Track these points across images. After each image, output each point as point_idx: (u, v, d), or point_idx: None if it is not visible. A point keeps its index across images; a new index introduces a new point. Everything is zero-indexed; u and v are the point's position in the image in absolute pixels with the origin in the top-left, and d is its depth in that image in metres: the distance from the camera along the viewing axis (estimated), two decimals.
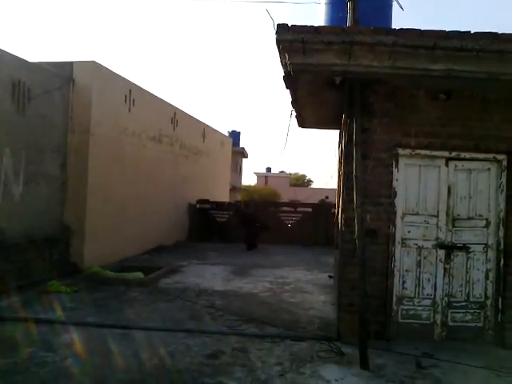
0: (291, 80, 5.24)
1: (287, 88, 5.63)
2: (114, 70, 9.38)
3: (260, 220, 13.36)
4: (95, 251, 8.55)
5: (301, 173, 53.99)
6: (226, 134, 22.47)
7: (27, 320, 5.40)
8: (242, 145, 30.80)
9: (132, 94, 10.06)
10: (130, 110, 10.00)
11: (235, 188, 27.24)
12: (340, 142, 7.41)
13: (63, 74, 8.18)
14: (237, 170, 29.20)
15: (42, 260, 7.52)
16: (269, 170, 46.85)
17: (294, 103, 6.54)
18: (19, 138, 7.03)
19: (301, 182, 50.11)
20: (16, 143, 6.96)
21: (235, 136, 27.86)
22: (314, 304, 6.86)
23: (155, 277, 8.11)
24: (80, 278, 7.74)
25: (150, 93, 11.27)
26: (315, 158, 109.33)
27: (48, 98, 7.68)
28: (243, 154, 30.02)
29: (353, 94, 5.15)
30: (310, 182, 52.48)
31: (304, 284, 8.31)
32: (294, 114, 7.44)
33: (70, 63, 8.37)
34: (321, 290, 7.80)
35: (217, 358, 4.54)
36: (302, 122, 8.33)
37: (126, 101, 9.84)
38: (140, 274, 8.00)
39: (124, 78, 9.85)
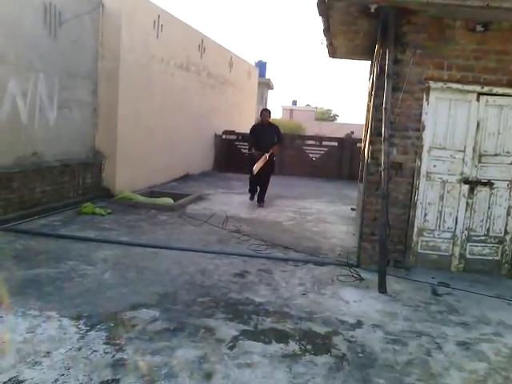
0: (325, 7, 5.12)
1: (320, 15, 5.50)
2: None
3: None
4: (126, 177, 8.88)
5: (326, 107, 52.95)
6: (253, 64, 21.98)
7: (66, 237, 5.82)
8: (268, 76, 30.17)
9: (160, 20, 9.91)
10: (158, 36, 9.89)
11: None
12: (371, 74, 7.29)
13: None
14: (262, 101, 28.79)
15: (77, 183, 7.88)
16: (294, 103, 45.97)
17: (327, 32, 6.39)
18: (52, 63, 7.12)
19: (326, 116, 49.17)
20: (49, 68, 7.06)
21: (261, 66, 27.14)
22: (336, 233, 7.11)
23: (183, 203, 8.44)
24: (112, 202, 8.11)
25: (177, 19, 11.05)
26: (341, 92, 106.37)
27: (78, 23, 7.66)
28: (269, 85, 29.41)
29: (387, 23, 5.04)
30: (335, 116, 51.48)
31: (327, 215, 8.54)
32: (326, 43, 7.29)
33: None
34: (343, 221, 8.03)
35: (243, 276, 4.87)
36: (333, 52, 8.15)
37: (154, 27, 9.72)
38: (169, 200, 8.33)
39: (152, 3, 9.67)
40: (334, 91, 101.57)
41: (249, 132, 9.45)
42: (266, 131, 8.96)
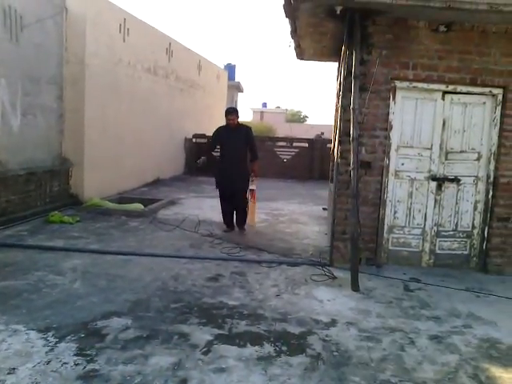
0: (291, 9, 5.14)
1: (286, 17, 5.54)
2: None
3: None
4: (95, 183, 8.70)
5: (296, 109, 53.34)
6: (222, 67, 21.95)
7: (34, 247, 5.65)
8: (237, 79, 30.10)
9: (126, 24, 9.77)
10: (124, 40, 9.76)
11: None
12: (339, 75, 7.37)
13: (56, 2, 7.91)
14: (232, 104, 28.74)
15: (44, 191, 7.67)
16: (265, 105, 46.10)
17: (294, 34, 6.44)
18: (14, 69, 6.91)
19: (296, 118, 49.52)
20: (11, 74, 6.86)
21: (230, 69, 27.09)
22: (309, 234, 7.15)
23: (154, 208, 8.32)
24: (81, 209, 7.94)
25: (144, 22, 10.93)
26: (311, 94, 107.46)
27: (41, 27, 7.47)
28: (239, 88, 29.38)
29: (353, 24, 5.10)
30: (305, 117, 51.90)
31: (299, 216, 8.58)
32: (293, 45, 7.33)
33: None
34: (315, 222, 8.08)
35: (217, 280, 4.83)
36: (301, 54, 8.23)
37: (120, 30, 9.58)
38: (140, 205, 8.21)
39: (118, 7, 9.53)
40: (303, 93, 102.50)
41: (212, 135, 7.38)
42: (233, 135, 6.86)
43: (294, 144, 15.01)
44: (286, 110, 47.10)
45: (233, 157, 6.81)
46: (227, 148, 6.91)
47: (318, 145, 14.54)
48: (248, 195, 6.99)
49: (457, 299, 4.56)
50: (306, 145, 14.68)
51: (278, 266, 5.37)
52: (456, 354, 3.44)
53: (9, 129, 6.87)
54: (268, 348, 3.41)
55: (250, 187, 6.97)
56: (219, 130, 7.21)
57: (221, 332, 3.62)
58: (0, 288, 4.30)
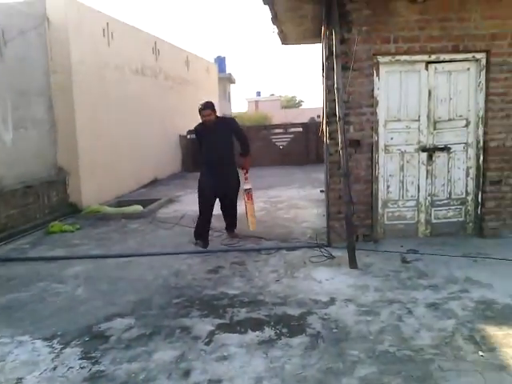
0: None
1: (265, 4, 5.53)
2: (87, 4, 9.05)
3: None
4: (92, 190, 8.77)
5: (291, 95, 53.11)
6: (211, 61, 21.90)
7: (36, 259, 5.73)
8: (228, 70, 30.05)
9: (110, 27, 9.77)
10: (109, 44, 9.77)
11: (226, 116, 26.79)
12: (322, 56, 7.36)
13: (36, 13, 7.93)
14: (226, 97, 28.70)
15: (42, 203, 7.74)
16: (259, 94, 46.06)
17: (275, 19, 6.43)
18: (1, 84, 6.97)
19: (291, 103, 49.33)
20: None
21: (221, 62, 27.10)
22: (307, 217, 7.19)
23: (153, 208, 8.39)
24: (80, 217, 8.01)
25: (127, 24, 10.93)
26: (304, 77, 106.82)
27: (25, 40, 7.51)
28: (230, 79, 29.35)
29: (330, 3, 5.08)
30: (301, 102, 51.67)
31: (297, 200, 8.62)
32: (276, 31, 7.33)
33: (42, 0, 8.07)
34: (313, 205, 8.11)
35: (217, 272, 4.88)
36: (285, 39, 8.24)
37: (104, 35, 9.58)
38: (138, 207, 8.26)
39: (99, 11, 9.53)
40: (296, 77, 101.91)
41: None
42: (214, 132, 5.87)
43: (289, 130, 14.99)
44: (280, 96, 46.97)
45: (218, 155, 5.87)
46: (210, 147, 5.92)
47: (312, 128, 14.49)
48: (244, 196, 6.10)
49: (454, 266, 4.59)
50: (301, 129, 14.66)
51: (276, 251, 5.41)
52: (453, 319, 3.48)
53: (2, 144, 6.94)
54: (268, 332, 3.46)
55: (245, 187, 6.06)
56: (197, 129, 6.10)
57: (222, 321, 3.68)
58: (5, 302, 4.38)
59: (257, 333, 3.46)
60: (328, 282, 4.40)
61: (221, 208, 6.27)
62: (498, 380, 2.74)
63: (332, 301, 3.95)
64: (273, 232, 6.34)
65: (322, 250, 5.24)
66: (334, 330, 3.42)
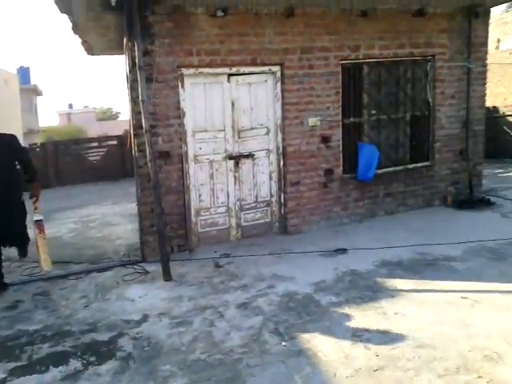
0: (63, 3, 4.80)
1: (62, 13, 5.14)
2: None
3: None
4: None
5: (107, 106, 51.01)
6: (13, 71, 19.82)
7: None
8: (34, 81, 27.65)
9: None
10: None
11: (32, 131, 24.54)
12: (126, 68, 7.19)
13: None
14: (32, 110, 26.26)
15: None
16: (71, 106, 43.24)
17: (76, 29, 6.04)
18: None
19: (108, 115, 47.34)
20: None
21: (24, 72, 24.65)
22: (121, 234, 6.90)
23: None
24: None
25: None
26: (119, 89, 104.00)
27: None
28: (36, 91, 26.95)
29: (131, 15, 4.95)
30: (118, 114, 49.86)
31: (111, 217, 8.24)
32: (80, 40, 6.92)
33: None
34: (128, 220, 7.83)
35: (15, 308, 4.30)
36: (90, 49, 7.83)
37: None
38: None
39: None
40: (111, 89, 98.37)
41: None
42: None
43: (103, 143, 14.25)
44: (95, 108, 44.91)
45: None
46: None
47: (127, 140, 14.10)
48: (34, 229, 4.88)
49: (262, 264, 4.86)
50: (115, 142, 14.06)
51: (86, 275, 5.02)
52: (260, 316, 3.66)
53: None
54: (74, 364, 3.17)
55: (35, 218, 4.85)
56: None
57: (18, 364, 3.25)
58: None
59: (60, 368, 3.13)
60: (141, 298, 4.23)
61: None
62: (296, 364, 2.95)
63: (145, 318, 3.80)
64: (83, 254, 5.89)
65: (136, 266, 5.05)
66: (146, 348, 3.29)
